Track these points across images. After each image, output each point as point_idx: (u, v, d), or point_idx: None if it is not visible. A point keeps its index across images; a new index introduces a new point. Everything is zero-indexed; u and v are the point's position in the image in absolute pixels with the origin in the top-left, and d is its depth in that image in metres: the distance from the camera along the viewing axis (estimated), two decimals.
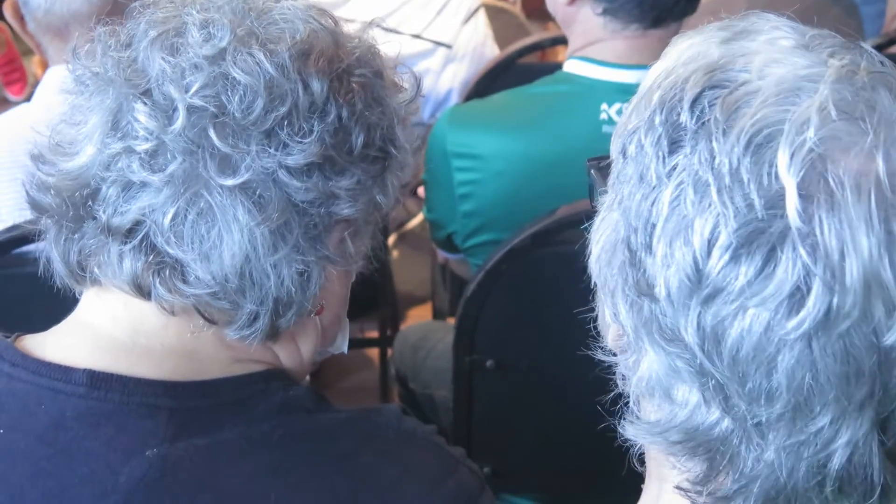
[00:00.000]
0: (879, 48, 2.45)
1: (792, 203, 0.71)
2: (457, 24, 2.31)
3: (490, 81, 2.29)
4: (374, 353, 3.01)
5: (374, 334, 2.82)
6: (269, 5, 1.00)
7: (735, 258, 0.72)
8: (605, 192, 0.88)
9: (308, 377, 1.36)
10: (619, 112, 1.64)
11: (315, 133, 0.95)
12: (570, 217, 1.54)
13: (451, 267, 2.00)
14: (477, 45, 2.34)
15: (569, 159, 1.65)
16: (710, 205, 0.73)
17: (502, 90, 2.03)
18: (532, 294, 1.64)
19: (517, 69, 2.38)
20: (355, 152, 0.98)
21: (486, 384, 1.72)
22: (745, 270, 0.72)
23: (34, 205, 1.00)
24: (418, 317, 3.30)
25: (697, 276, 0.74)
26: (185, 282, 0.95)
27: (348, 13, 2.29)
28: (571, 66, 1.71)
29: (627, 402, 0.92)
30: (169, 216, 0.93)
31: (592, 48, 1.69)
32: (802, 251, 0.71)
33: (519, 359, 1.70)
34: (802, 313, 0.71)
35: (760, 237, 0.72)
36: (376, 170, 1.01)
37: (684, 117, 0.77)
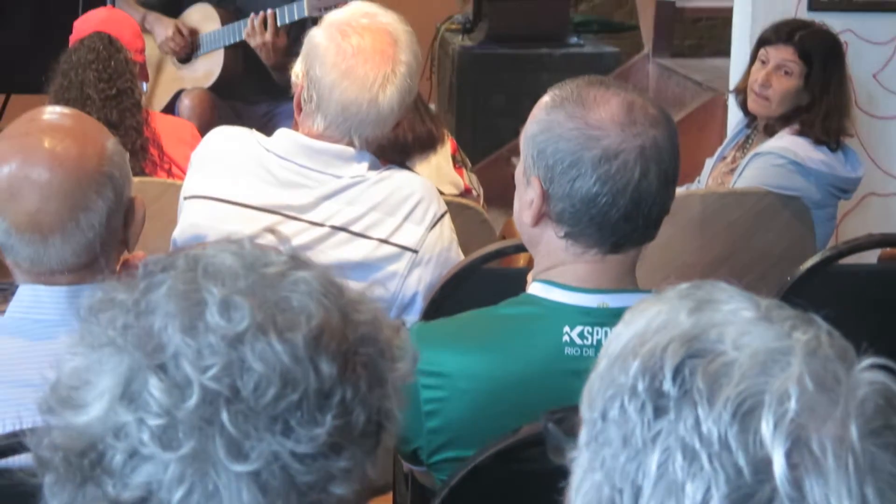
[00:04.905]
0: (830, 260, 2.54)
1: (780, 469, 0.76)
2: (423, 229, 2.38)
3: (454, 287, 2.35)
4: None
5: None
6: (281, 278, 1.02)
7: None
8: (573, 448, 0.93)
9: None
10: (581, 335, 1.69)
11: (323, 422, 0.97)
12: (533, 436, 1.58)
13: (415, 474, 2.02)
14: (442, 250, 2.41)
15: (532, 380, 1.70)
16: (700, 469, 0.78)
17: (467, 295, 2.09)
18: None
19: (481, 273, 2.45)
20: (355, 433, 1.00)
21: None
22: None
23: (40, 462, 1.01)
24: None
25: None
26: None
27: (318, 217, 2.36)
28: (535, 289, 1.77)
29: None
30: (177, 496, 0.94)
31: (555, 271, 1.75)
32: None
33: None
34: None
35: (749, 501, 0.76)
36: (370, 445, 1.03)
37: (667, 386, 0.82)
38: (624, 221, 1.70)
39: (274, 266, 1.03)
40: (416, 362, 1.08)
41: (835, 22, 3.74)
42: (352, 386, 1.00)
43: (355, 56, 2.32)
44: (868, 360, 0.84)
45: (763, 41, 3.45)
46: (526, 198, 1.75)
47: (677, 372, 0.82)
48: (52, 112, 1.83)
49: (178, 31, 4.66)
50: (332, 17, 2.42)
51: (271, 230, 1.08)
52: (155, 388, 0.95)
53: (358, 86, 2.31)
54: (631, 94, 1.72)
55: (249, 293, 0.99)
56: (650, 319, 0.89)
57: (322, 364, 0.98)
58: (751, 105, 3.45)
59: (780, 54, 3.38)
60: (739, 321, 0.86)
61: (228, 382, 0.95)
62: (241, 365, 0.95)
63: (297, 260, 1.05)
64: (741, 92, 3.52)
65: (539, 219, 1.74)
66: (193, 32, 4.70)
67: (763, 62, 3.41)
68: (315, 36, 2.38)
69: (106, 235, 1.73)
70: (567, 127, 1.69)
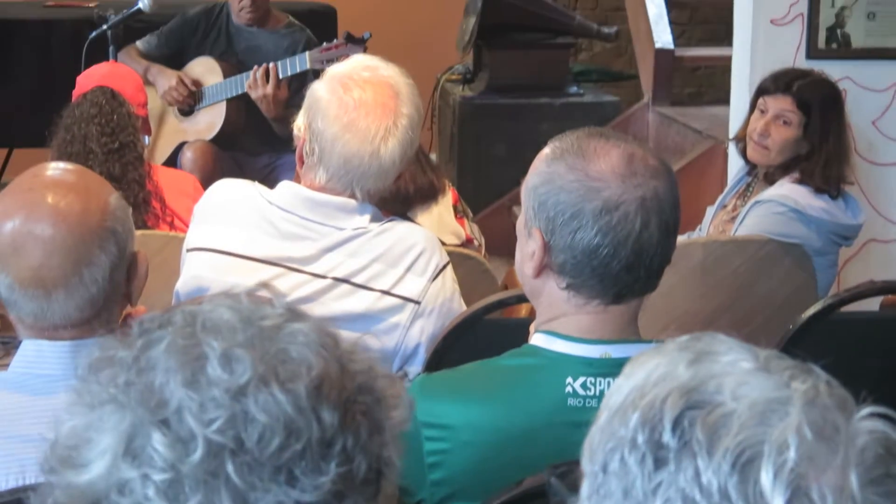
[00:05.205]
0: (831, 308, 2.54)
1: None
2: (425, 281, 2.38)
3: (457, 338, 2.36)
4: None
5: None
6: (278, 330, 1.03)
7: None
8: (575, 502, 0.93)
9: None
10: (584, 385, 1.69)
11: (327, 471, 0.98)
12: (535, 488, 1.58)
13: None
14: (444, 301, 2.41)
15: (535, 431, 1.70)
16: None
17: (469, 346, 2.09)
18: None
19: (483, 324, 2.45)
20: (357, 481, 1.01)
21: None
22: None
23: None
24: None
25: None
26: None
27: (320, 268, 2.36)
28: (538, 340, 1.77)
29: None
30: None
31: (557, 322, 1.76)
32: None
33: None
34: None
35: None
36: (371, 492, 1.04)
37: (667, 437, 0.83)
38: (625, 272, 1.70)
39: (270, 319, 1.04)
40: (411, 410, 1.09)
41: (833, 70, 3.76)
42: (353, 434, 1.00)
43: (357, 109, 2.34)
44: (867, 409, 0.85)
45: (762, 90, 3.47)
46: (527, 249, 1.76)
47: (677, 423, 0.83)
48: (56, 168, 1.84)
49: (181, 81, 4.70)
50: (333, 71, 2.44)
51: (265, 284, 1.08)
52: (158, 443, 0.95)
53: (360, 139, 2.33)
54: (631, 146, 1.73)
55: (249, 346, 1.00)
56: (649, 372, 0.90)
57: (324, 413, 0.99)
58: (750, 154, 3.47)
59: (778, 104, 3.40)
60: (738, 372, 0.87)
61: (233, 434, 0.95)
62: (244, 416, 0.96)
63: (292, 312, 1.06)
64: (741, 140, 3.54)
65: (541, 270, 1.75)
66: (196, 83, 4.74)
67: (762, 111, 3.43)
68: (317, 89, 2.40)
69: (109, 290, 1.73)
70: (568, 179, 1.70)
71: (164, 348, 1.00)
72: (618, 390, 0.91)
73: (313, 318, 1.07)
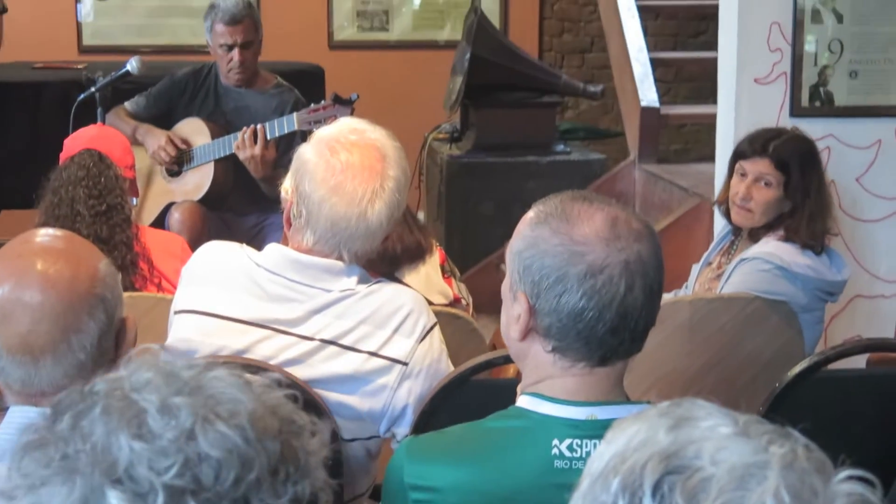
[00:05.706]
0: (818, 366, 2.55)
1: None
2: (412, 342, 2.39)
3: (444, 399, 2.36)
4: None
5: None
6: (200, 379, 1.07)
7: None
8: None
9: None
10: (570, 447, 1.70)
11: (284, 493, 1.01)
12: None
13: None
14: (432, 362, 2.41)
15: (522, 494, 1.70)
16: None
17: (457, 407, 2.09)
18: None
19: (470, 384, 2.46)
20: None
21: None
22: None
23: None
24: None
25: None
26: None
27: (308, 330, 2.37)
28: (524, 402, 1.78)
29: None
30: None
31: (543, 384, 1.76)
32: None
33: None
34: None
35: None
36: None
37: (647, 502, 0.84)
38: (610, 335, 1.71)
39: (188, 370, 1.08)
40: (323, 434, 1.13)
41: (816, 128, 3.80)
42: (293, 461, 1.04)
43: (344, 172, 2.35)
44: (845, 472, 0.86)
45: (738, 154, 3.49)
46: (513, 312, 1.77)
47: (656, 488, 0.84)
48: (45, 234, 1.86)
49: (171, 140, 4.72)
50: (321, 134, 2.46)
51: (164, 347, 1.13)
52: (116, 499, 0.97)
53: (347, 201, 2.34)
54: (614, 209, 1.74)
55: (182, 394, 1.04)
56: (630, 437, 0.91)
57: (267, 443, 1.02)
58: (734, 217, 3.48)
59: (756, 167, 3.42)
60: (717, 437, 0.88)
61: (191, 476, 0.98)
62: (198, 457, 0.99)
63: (203, 363, 1.10)
64: (723, 203, 3.56)
65: (526, 333, 1.76)
66: (185, 142, 4.75)
67: (741, 175, 3.45)
68: (304, 152, 2.42)
69: (97, 356, 1.74)
70: (552, 243, 1.71)
71: (99, 413, 1.02)
72: (599, 456, 0.93)
73: (223, 363, 1.12)
